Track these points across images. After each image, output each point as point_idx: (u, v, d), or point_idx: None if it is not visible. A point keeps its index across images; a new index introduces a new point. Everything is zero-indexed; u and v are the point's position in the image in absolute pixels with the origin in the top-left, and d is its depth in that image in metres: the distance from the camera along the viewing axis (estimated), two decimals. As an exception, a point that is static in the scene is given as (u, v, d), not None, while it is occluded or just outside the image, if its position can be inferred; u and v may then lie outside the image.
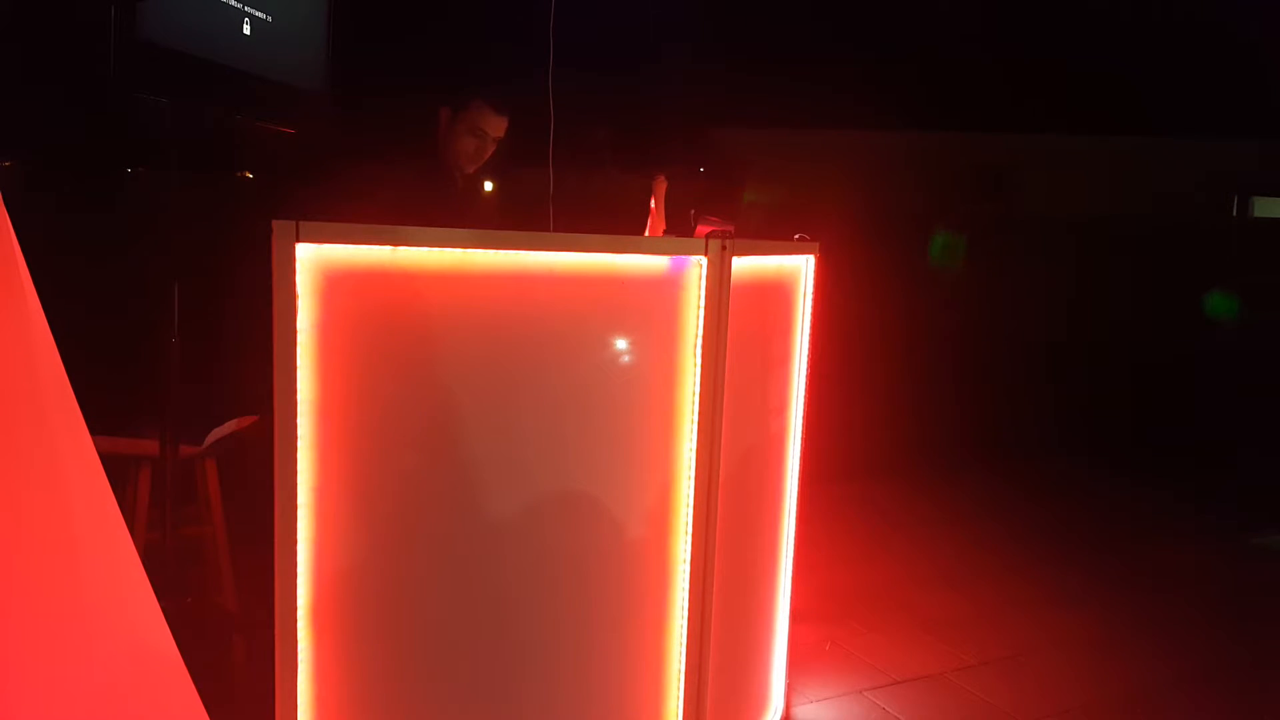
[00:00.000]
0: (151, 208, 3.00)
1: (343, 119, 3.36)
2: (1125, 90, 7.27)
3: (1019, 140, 7.68)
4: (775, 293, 2.29)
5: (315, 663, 1.74)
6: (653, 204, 3.29)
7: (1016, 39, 7.00)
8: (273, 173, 3.68)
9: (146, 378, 2.55)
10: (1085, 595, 3.74)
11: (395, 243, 1.67)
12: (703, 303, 1.91)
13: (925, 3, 6.99)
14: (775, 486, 2.43)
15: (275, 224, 1.58)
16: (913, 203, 7.05)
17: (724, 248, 1.91)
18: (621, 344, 1.89)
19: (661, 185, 3.30)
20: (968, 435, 6.05)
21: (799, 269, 2.41)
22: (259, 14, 2.71)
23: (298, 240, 1.59)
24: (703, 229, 2.86)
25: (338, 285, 1.65)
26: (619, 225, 3.45)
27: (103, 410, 1.81)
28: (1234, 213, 8.35)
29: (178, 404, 2.42)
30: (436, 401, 1.77)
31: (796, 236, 2.38)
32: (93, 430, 1.54)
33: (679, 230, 3.21)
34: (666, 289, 1.91)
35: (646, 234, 3.25)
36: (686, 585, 2.00)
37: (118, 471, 2.05)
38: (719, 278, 1.91)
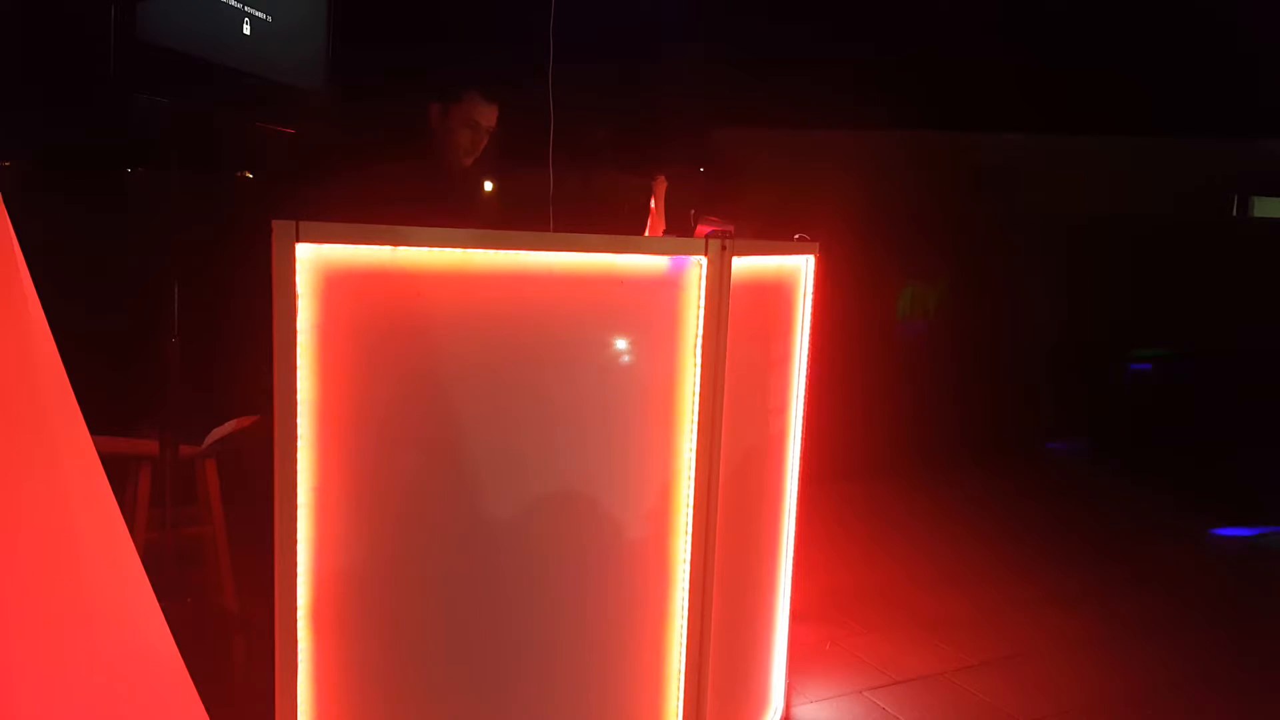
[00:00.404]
0: (151, 208, 3.00)
1: (343, 119, 3.36)
2: (1125, 90, 7.27)
3: (1019, 140, 7.67)
4: (775, 293, 2.29)
5: (315, 663, 1.74)
6: (653, 204, 3.29)
7: (1016, 39, 7.00)
8: (273, 173, 3.68)
9: (146, 378, 2.55)
10: (1085, 595, 3.74)
11: (395, 243, 1.67)
12: (703, 303, 1.91)
13: (925, 3, 6.98)
14: (775, 486, 2.43)
15: (275, 224, 1.58)
16: (913, 203, 7.05)
17: (724, 248, 1.91)
18: (621, 344, 1.89)
19: (661, 185, 3.30)
20: (967, 435, 6.06)
21: (799, 269, 2.41)
22: (259, 14, 2.71)
23: (298, 240, 1.59)
24: (703, 229, 2.86)
25: (338, 285, 1.65)
26: (619, 225, 3.45)
27: (103, 410, 1.80)
28: (1234, 213, 8.34)
29: (178, 404, 2.42)
30: (436, 401, 1.76)
31: (796, 236, 2.38)
32: (93, 430, 1.54)
33: (679, 230, 3.21)
34: (666, 289, 1.91)
35: (646, 234, 3.25)
36: (686, 585, 2.00)
37: (118, 471, 2.05)
38: (719, 278, 1.91)
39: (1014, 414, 6.14)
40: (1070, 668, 3.11)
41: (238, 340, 2.08)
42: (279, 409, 1.62)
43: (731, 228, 2.61)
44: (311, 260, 1.61)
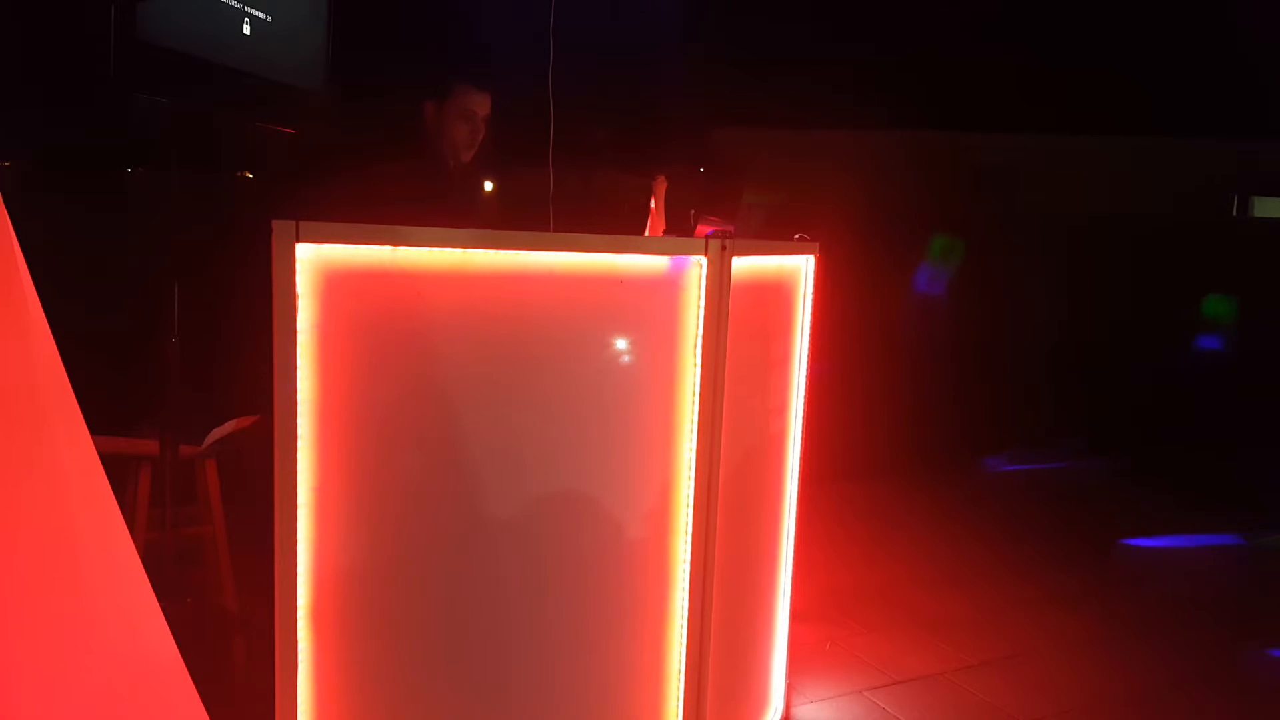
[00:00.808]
0: (151, 208, 3.00)
1: (343, 119, 3.36)
2: (1125, 90, 7.27)
3: (1019, 140, 7.67)
4: (775, 293, 2.29)
5: (315, 663, 1.74)
6: (653, 204, 3.30)
7: (1016, 39, 7.00)
8: (273, 173, 3.68)
9: (146, 378, 2.55)
10: (1085, 595, 3.74)
11: (395, 243, 1.67)
12: (703, 303, 1.91)
13: (925, 3, 6.99)
14: (775, 486, 2.43)
15: (275, 224, 1.58)
16: (913, 203, 7.05)
17: (724, 248, 1.91)
18: (621, 344, 1.89)
19: (661, 185, 3.30)
20: (968, 435, 6.05)
21: (799, 269, 2.41)
22: (259, 14, 2.71)
23: (298, 240, 1.59)
24: (703, 229, 2.86)
25: (338, 285, 1.65)
26: (619, 225, 3.45)
27: (103, 410, 1.80)
28: (1234, 213, 8.34)
29: (178, 404, 2.42)
30: (436, 401, 1.76)
31: (796, 236, 2.38)
32: (93, 430, 1.54)
33: (679, 230, 3.21)
34: (666, 289, 1.91)
35: (646, 234, 3.25)
36: (686, 585, 2.00)
37: (118, 471, 2.05)
38: (719, 278, 1.91)
39: (1014, 414, 6.14)
40: (1070, 668, 3.11)
41: (238, 340, 2.08)
42: (279, 409, 1.62)
43: (731, 228, 2.61)
44: (311, 260, 1.61)
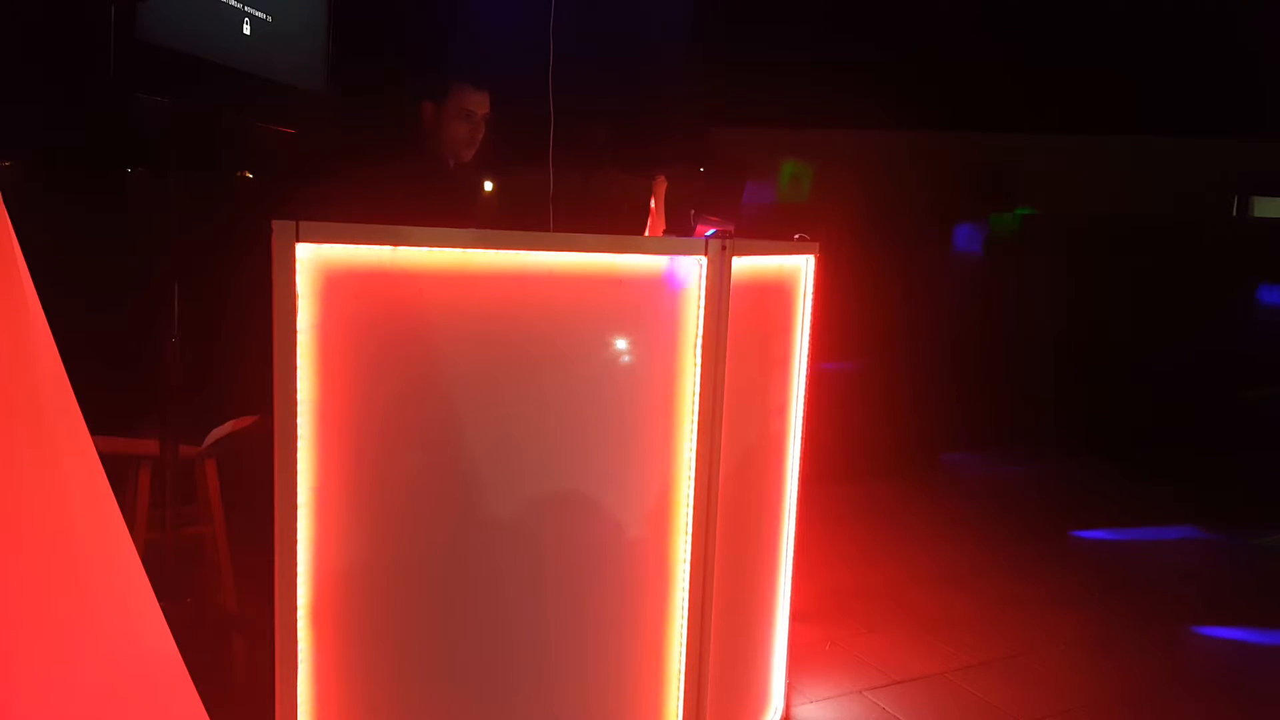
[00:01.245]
0: (151, 208, 3.00)
1: (343, 119, 3.36)
2: (1125, 90, 7.27)
3: (1019, 140, 7.68)
4: (775, 293, 2.29)
5: (315, 663, 1.74)
6: (653, 204, 3.30)
7: (1016, 38, 7.01)
8: (273, 173, 3.68)
9: (146, 377, 2.55)
10: (1085, 595, 3.74)
11: (395, 243, 1.67)
12: (703, 303, 1.91)
13: (925, 2, 6.99)
14: (775, 486, 2.43)
15: (275, 224, 1.58)
16: (913, 202, 7.05)
17: (724, 248, 1.91)
18: (621, 344, 1.89)
19: (661, 185, 3.31)
20: (968, 435, 6.05)
21: (799, 269, 2.41)
22: (259, 14, 2.71)
23: (298, 240, 1.59)
24: (703, 229, 2.86)
25: (338, 285, 1.65)
26: (619, 225, 3.45)
27: (103, 410, 1.80)
28: (1234, 213, 8.34)
29: (178, 404, 2.42)
30: (436, 401, 1.76)
31: (796, 236, 2.38)
32: (93, 430, 1.54)
33: (679, 230, 3.21)
34: (666, 289, 1.91)
35: (646, 234, 3.25)
36: (686, 585, 2.00)
37: (118, 471, 2.05)
38: (719, 278, 1.91)
39: (1014, 413, 6.14)
40: (1070, 668, 3.11)
41: (238, 340, 2.08)
42: (279, 409, 1.62)
43: (732, 227, 2.61)
44: (311, 260, 1.61)
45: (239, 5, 2.62)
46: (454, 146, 2.76)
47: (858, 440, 5.06)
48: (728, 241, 1.91)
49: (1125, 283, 6.65)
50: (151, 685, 1.61)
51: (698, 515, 1.98)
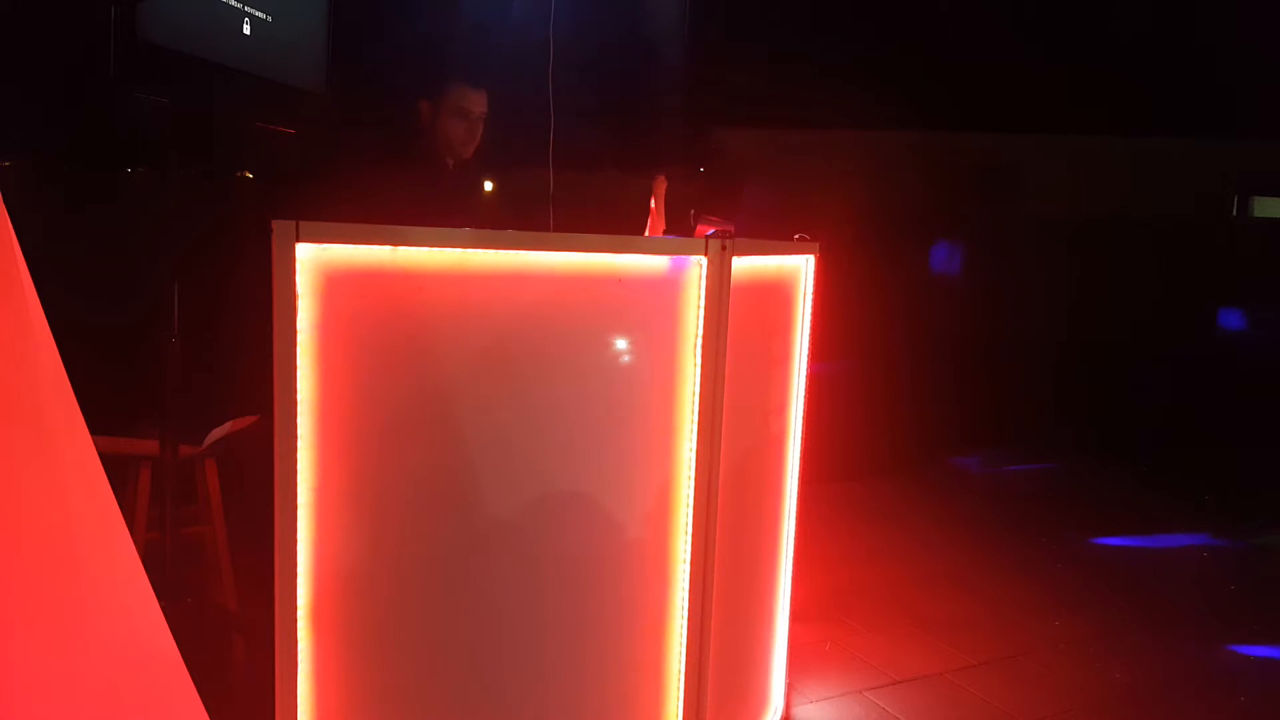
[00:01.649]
0: (151, 208, 3.00)
1: (343, 119, 3.36)
2: (1126, 90, 7.27)
3: (1019, 140, 7.67)
4: (775, 293, 2.29)
5: (315, 663, 1.74)
6: (653, 204, 3.29)
7: (1016, 38, 7.00)
8: (273, 173, 3.68)
9: (146, 378, 2.55)
10: (1085, 595, 3.74)
11: (395, 243, 1.67)
12: (703, 303, 1.91)
13: (926, 2, 6.98)
14: (775, 486, 2.43)
15: (275, 224, 1.58)
16: (913, 202, 7.05)
17: (724, 248, 1.91)
18: (622, 344, 1.89)
19: (661, 185, 3.30)
20: (968, 435, 6.05)
21: (799, 269, 2.40)
22: (259, 14, 2.71)
23: (298, 240, 1.59)
24: (703, 229, 2.86)
25: (338, 285, 1.65)
26: (619, 225, 3.45)
27: (103, 410, 1.80)
28: (1234, 213, 8.34)
29: (178, 404, 2.42)
30: (436, 401, 1.77)
31: (796, 236, 2.38)
32: (93, 430, 1.54)
33: (679, 230, 3.21)
34: (666, 289, 1.91)
35: (646, 234, 3.25)
36: (686, 585, 2.00)
37: (118, 471, 2.05)
38: (719, 278, 1.91)
39: (1015, 413, 6.14)
40: (1070, 668, 3.11)
41: (237, 340, 2.08)
42: (279, 409, 1.62)
43: (732, 227, 2.61)
44: (311, 260, 1.62)
45: (239, 5, 2.62)
46: (451, 145, 2.76)
47: (858, 440, 5.06)
48: (728, 241, 1.91)
49: (1126, 283, 6.65)
50: (151, 685, 1.61)
51: (698, 515, 1.98)
